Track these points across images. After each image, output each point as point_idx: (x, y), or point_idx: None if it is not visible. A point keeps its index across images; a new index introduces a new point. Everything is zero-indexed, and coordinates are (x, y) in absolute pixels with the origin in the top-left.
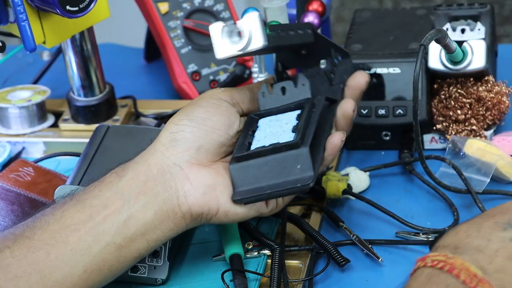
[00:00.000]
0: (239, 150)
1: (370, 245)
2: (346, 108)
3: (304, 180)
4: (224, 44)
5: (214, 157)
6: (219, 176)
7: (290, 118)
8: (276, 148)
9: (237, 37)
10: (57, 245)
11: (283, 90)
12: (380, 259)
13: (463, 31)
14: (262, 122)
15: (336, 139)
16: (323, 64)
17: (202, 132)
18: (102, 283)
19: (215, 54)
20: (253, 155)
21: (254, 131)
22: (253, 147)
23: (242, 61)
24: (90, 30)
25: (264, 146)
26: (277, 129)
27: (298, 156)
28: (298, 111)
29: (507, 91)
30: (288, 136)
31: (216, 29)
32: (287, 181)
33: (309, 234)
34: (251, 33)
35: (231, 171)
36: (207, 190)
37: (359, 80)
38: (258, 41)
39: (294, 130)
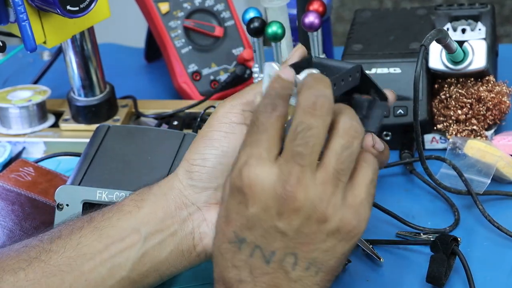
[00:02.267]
0: None
1: (371, 246)
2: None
3: None
4: None
5: None
6: None
7: None
8: None
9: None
10: (72, 273)
11: None
12: (381, 259)
13: (463, 31)
14: None
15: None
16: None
17: (218, 172)
18: None
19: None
20: None
21: None
22: None
23: (242, 61)
24: (91, 30)
25: None
26: None
27: None
28: None
29: (507, 91)
30: None
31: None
32: None
33: None
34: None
35: None
36: None
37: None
38: None
39: None
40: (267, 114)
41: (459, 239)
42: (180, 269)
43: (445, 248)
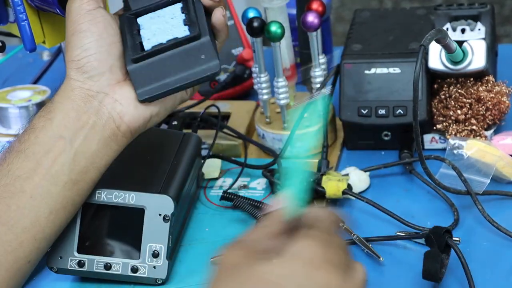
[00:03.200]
0: (133, 51)
1: (370, 245)
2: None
3: (212, 68)
4: None
5: (125, 68)
6: None
7: (174, 13)
8: (177, 43)
9: None
10: (15, 196)
11: None
12: (380, 258)
13: (463, 31)
14: (142, 21)
15: (218, 14)
16: None
17: (104, 54)
18: (68, 219)
19: None
20: (153, 54)
21: (138, 31)
22: (147, 46)
23: (242, 61)
24: None
25: (162, 44)
26: (164, 25)
27: (201, 46)
28: (180, 4)
29: (507, 91)
30: (182, 30)
31: None
32: (194, 72)
33: None
34: None
35: (131, 74)
36: (136, 103)
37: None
38: None
39: (187, 23)
40: None
41: (451, 230)
42: (113, 154)
43: (439, 242)
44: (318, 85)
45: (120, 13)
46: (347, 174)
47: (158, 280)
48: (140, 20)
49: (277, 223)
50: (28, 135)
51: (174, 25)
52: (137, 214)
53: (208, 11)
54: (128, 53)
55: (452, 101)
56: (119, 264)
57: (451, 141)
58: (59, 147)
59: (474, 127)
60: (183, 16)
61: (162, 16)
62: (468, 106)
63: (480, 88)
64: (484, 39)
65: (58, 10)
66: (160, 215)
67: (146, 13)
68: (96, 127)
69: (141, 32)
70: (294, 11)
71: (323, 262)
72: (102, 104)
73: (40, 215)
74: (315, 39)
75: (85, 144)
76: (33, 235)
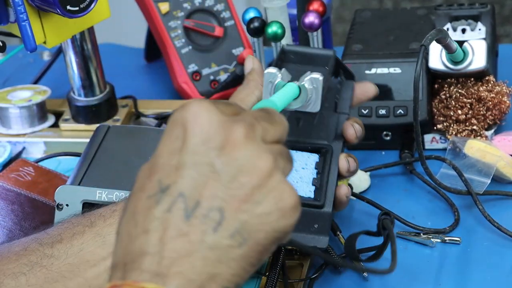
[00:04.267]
0: None
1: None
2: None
3: (320, 242)
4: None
5: None
6: None
7: (308, 163)
8: None
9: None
10: (75, 279)
11: (298, 121)
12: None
13: (463, 31)
14: None
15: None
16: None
17: None
18: None
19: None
20: None
21: None
22: None
23: (242, 61)
24: (91, 30)
25: None
26: (293, 172)
27: (318, 216)
28: (316, 157)
29: (507, 91)
30: (307, 189)
31: (269, 77)
32: (300, 236)
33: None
34: (312, 97)
35: None
36: None
37: (367, 89)
38: (316, 107)
39: (315, 183)
40: None
41: (391, 214)
42: None
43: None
44: None
45: None
46: None
47: None
48: None
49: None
50: (114, 220)
51: (302, 177)
52: None
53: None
54: None
55: (452, 101)
56: None
57: (452, 141)
58: None
59: (474, 127)
60: (314, 173)
61: (296, 161)
62: (469, 106)
63: (481, 88)
64: (484, 39)
65: (58, 10)
66: None
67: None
68: None
69: None
70: (294, 11)
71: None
72: None
73: None
74: (316, 39)
75: None
76: None
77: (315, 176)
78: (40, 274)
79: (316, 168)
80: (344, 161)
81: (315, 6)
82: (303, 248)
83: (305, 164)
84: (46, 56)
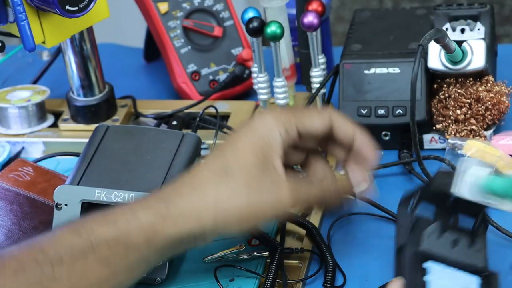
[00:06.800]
0: None
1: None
2: None
3: None
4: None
5: None
6: None
7: (470, 286)
8: None
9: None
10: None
11: (455, 242)
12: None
13: (462, 31)
14: (433, 268)
15: None
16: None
17: None
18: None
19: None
20: None
21: (423, 274)
22: None
23: (241, 61)
24: (90, 30)
25: None
26: None
27: None
28: (478, 279)
29: (506, 91)
30: None
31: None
32: None
33: (317, 245)
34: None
35: None
36: None
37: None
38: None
39: None
40: None
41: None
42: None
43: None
44: (318, 85)
45: None
46: None
47: (158, 280)
48: (430, 265)
49: None
50: (121, 248)
51: None
52: None
53: None
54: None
55: (451, 101)
56: None
57: (451, 141)
58: (142, 269)
59: (473, 127)
60: None
61: (456, 279)
62: (468, 106)
63: (480, 88)
64: (483, 39)
65: (58, 10)
66: None
67: (440, 261)
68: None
69: (429, 281)
70: (293, 11)
71: None
72: None
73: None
74: (315, 39)
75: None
76: None
77: None
78: None
79: None
80: None
81: (314, 6)
82: None
83: (467, 285)
84: (45, 56)
